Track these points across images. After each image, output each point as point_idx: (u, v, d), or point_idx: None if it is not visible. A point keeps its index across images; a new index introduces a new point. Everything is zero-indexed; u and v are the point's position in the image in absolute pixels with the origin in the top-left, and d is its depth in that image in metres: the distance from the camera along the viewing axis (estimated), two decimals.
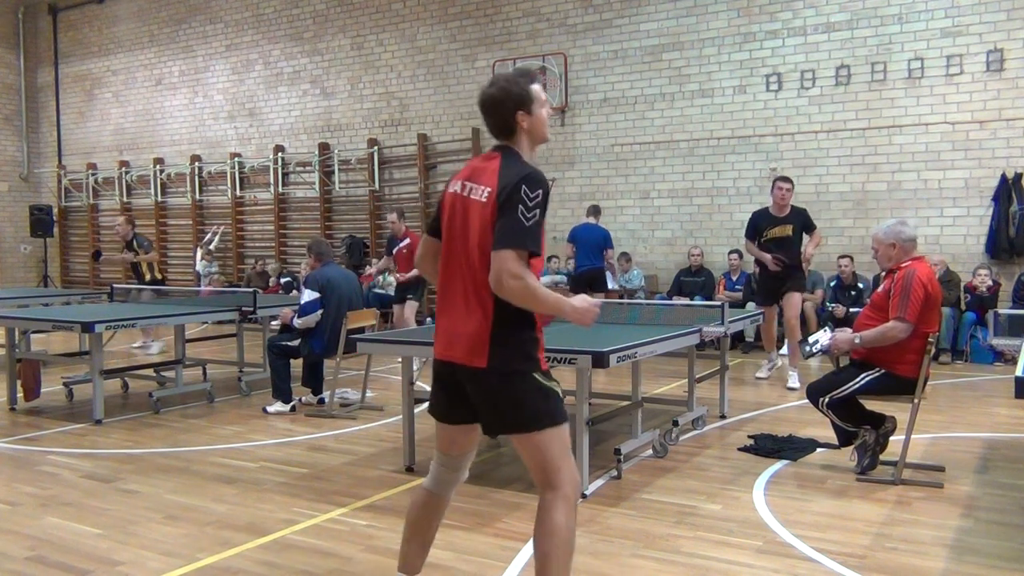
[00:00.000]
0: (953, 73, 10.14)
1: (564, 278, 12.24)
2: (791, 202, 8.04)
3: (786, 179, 8.11)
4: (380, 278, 11.90)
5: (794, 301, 8.01)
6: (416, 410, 5.35)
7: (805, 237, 8.05)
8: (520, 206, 2.66)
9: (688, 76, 11.64)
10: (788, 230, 7.88)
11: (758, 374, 8.37)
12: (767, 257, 7.87)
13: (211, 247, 15.16)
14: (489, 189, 2.76)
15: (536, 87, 2.90)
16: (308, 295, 6.96)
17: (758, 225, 8.06)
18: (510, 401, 2.79)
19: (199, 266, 15.20)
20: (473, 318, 2.78)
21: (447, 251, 2.88)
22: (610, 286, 11.06)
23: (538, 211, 2.67)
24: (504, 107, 2.83)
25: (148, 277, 10.95)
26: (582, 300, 2.81)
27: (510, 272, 2.62)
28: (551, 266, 12.35)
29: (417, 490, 3.12)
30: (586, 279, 10.48)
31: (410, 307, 10.03)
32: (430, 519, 3.11)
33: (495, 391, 2.80)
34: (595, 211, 10.78)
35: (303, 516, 4.41)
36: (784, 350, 9.22)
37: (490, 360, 2.76)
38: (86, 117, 18.10)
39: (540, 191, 2.70)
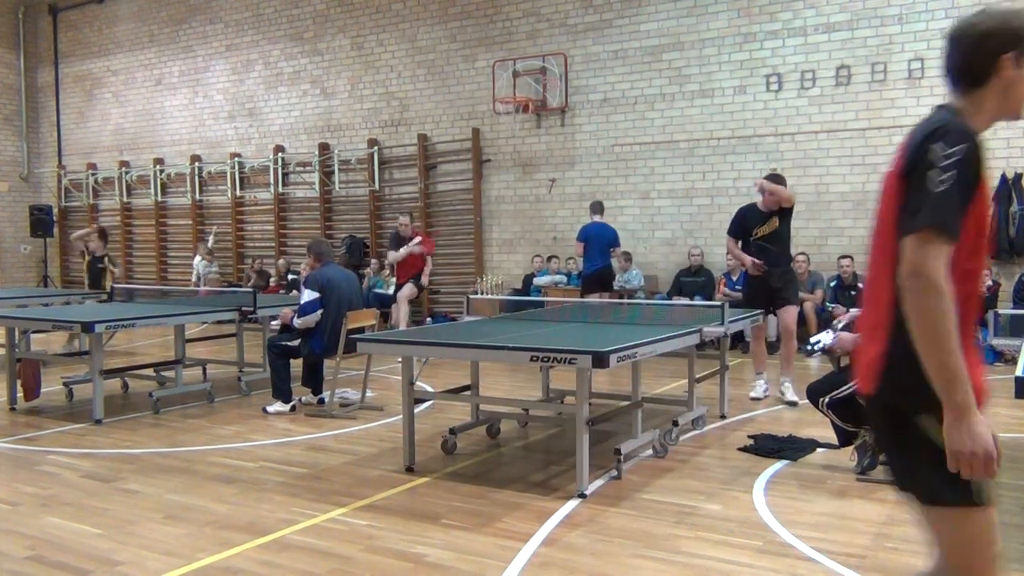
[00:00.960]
0: None
1: (564, 278, 12.24)
2: None
3: (777, 179, 7.55)
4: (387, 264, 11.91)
5: (790, 314, 7.48)
6: (416, 410, 5.35)
7: (791, 226, 7.61)
8: (927, 171, 1.90)
9: (688, 76, 11.64)
10: (775, 223, 7.43)
11: (752, 394, 7.48)
12: (747, 261, 7.40)
13: (209, 245, 15.16)
14: (899, 155, 2.06)
15: None
16: (308, 295, 6.96)
17: (747, 223, 7.52)
18: (892, 446, 2.10)
19: (199, 266, 15.22)
20: (865, 325, 2.14)
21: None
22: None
23: (954, 174, 1.86)
24: (987, 43, 2.05)
25: (108, 287, 10.92)
26: (985, 430, 1.86)
27: (911, 266, 1.85)
28: (551, 266, 12.36)
29: None
30: (596, 279, 10.50)
31: (408, 288, 9.98)
32: None
33: (879, 429, 2.13)
34: (600, 208, 10.71)
35: (303, 516, 4.41)
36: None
37: (877, 386, 2.05)
38: (86, 117, 18.09)
39: (960, 147, 1.89)
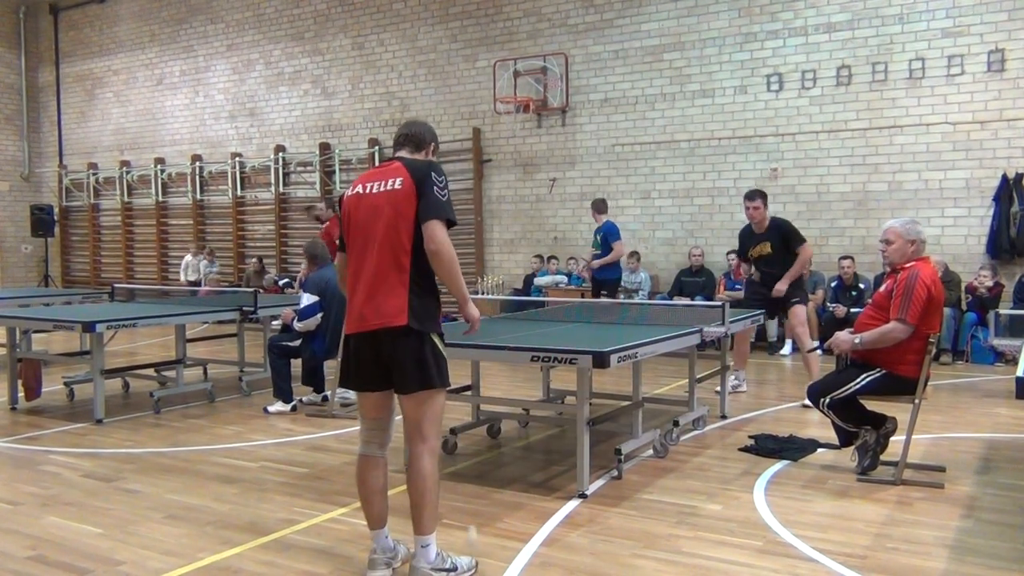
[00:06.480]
0: (954, 73, 10.13)
1: (565, 278, 12.23)
2: (769, 215, 7.55)
3: (751, 195, 7.49)
4: None
5: (797, 313, 7.33)
6: None
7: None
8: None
9: (689, 76, 11.64)
10: (767, 248, 7.36)
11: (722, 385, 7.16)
12: (741, 271, 8.05)
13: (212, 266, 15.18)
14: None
15: None
16: (307, 299, 6.95)
17: (744, 244, 7.65)
18: (411, 358, 3.36)
19: (200, 266, 15.25)
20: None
21: None
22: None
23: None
24: None
25: None
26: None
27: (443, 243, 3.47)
28: (550, 267, 12.35)
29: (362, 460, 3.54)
30: (617, 280, 10.46)
31: None
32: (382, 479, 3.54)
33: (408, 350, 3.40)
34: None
35: (304, 516, 4.41)
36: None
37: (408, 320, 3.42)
38: (87, 117, 18.11)
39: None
